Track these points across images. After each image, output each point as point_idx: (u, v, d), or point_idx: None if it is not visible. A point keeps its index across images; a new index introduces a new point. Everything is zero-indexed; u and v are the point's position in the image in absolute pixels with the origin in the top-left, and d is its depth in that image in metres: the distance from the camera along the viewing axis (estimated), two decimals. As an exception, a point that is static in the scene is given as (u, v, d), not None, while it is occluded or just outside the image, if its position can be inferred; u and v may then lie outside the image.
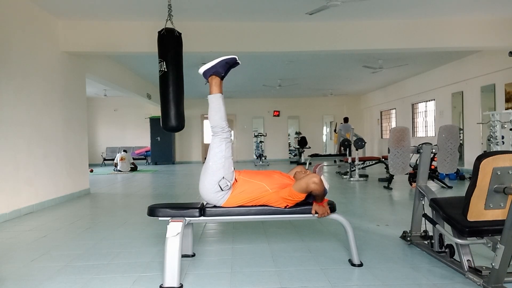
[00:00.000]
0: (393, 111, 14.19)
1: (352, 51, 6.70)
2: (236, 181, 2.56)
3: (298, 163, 13.94)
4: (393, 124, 14.17)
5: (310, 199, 2.57)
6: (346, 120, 13.55)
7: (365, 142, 8.67)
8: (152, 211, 2.52)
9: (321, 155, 12.53)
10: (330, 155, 12.85)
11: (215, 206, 2.55)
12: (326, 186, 2.53)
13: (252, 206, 2.54)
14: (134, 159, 13.42)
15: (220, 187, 2.46)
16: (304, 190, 2.44)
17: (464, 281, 2.32)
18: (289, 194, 2.49)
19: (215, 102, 2.51)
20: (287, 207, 2.55)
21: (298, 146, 14.67)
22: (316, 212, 2.52)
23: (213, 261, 2.81)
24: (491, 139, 6.40)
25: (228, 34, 6.22)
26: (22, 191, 4.90)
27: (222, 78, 2.59)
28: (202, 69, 2.58)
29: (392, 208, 4.93)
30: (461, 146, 9.26)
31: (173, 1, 4.51)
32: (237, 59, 2.61)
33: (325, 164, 12.63)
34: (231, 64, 2.60)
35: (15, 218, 4.59)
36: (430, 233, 2.92)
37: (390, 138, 3.03)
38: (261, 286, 2.32)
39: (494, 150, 6.20)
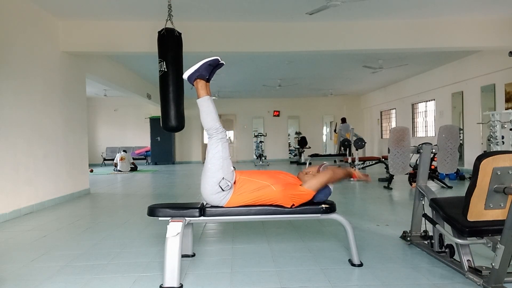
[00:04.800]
0: (393, 111, 14.19)
1: (352, 51, 6.70)
2: (236, 182, 2.55)
3: (298, 163, 13.94)
4: (393, 124, 14.17)
5: (316, 199, 2.59)
6: (344, 120, 13.56)
7: (365, 142, 8.68)
8: (152, 211, 2.52)
9: (321, 155, 12.53)
10: (330, 155, 12.85)
11: (214, 206, 2.54)
12: (331, 186, 2.66)
13: (253, 206, 2.53)
14: (134, 159, 13.42)
15: (221, 188, 2.46)
16: (316, 187, 2.55)
17: (464, 281, 2.32)
18: (298, 192, 2.53)
19: (205, 105, 2.51)
20: (293, 206, 2.55)
21: (298, 146, 14.67)
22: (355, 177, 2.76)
23: (213, 261, 2.81)
24: (491, 139, 6.39)
25: (228, 34, 6.22)
26: (22, 191, 4.90)
27: (207, 80, 2.57)
28: (186, 74, 2.57)
29: (392, 208, 4.93)
30: (461, 146, 9.26)
31: (173, 1, 4.52)
32: (220, 59, 2.59)
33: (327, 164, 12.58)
34: (214, 65, 2.58)
35: (15, 218, 4.59)
36: (430, 233, 2.93)
37: (390, 138, 3.03)
38: (261, 286, 2.32)
39: (494, 150, 6.20)
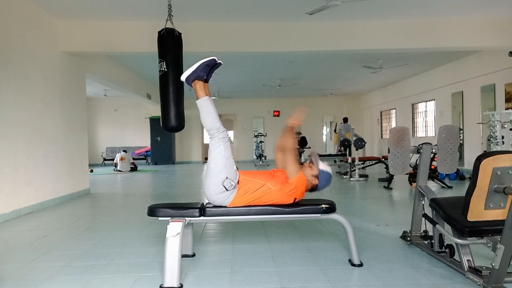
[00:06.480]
0: (393, 111, 14.19)
1: (352, 51, 6.70)
2: (240, 182, 2.56)
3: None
4: (393, 124, 14.17)
5: (319, 187, 2.65)
6: (345, 120, 13.55)
7: (365, 142, 8.67)
8: (152, 211, 2.53)
9: (321, 155, 12.52)
10: (330, 155, 12.85)
11: (215, 206, 2.55)
12: (329, 169, 2.65)
13: (253, 206, 2.53)
14: (134, 159, 13.42)
15: (225, 187, 2.47)
16: (295, 169, 2.53)
17: (464, 281, 2.32)
18: (291, 186, 2.53)
19: (204, 106, 2.51)
20: (296, 200, 2.57)
21: (298, 146, 14.66)
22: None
23: (213, 261, 2.81)
24: (491, 139, 6.39)
25: (228, 34, 6.22)
26: (22, 191, 4.90)
27: (205, 81, 2.58)
28: (183, 76, 2.57)
29: (392, 208, 4.93)
30: (461, 146, 9.26)
31: (173, 1, 4.52)
32: (217, 59, 2.60)
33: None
34: (212, 66, 2.58)
35: (15, 218, 4.59)
36: (430, 233, 2.92)
37: (390, 138, 3.03)
38: (261, 286, 2.32)
39: (494, 150, 6.20)
